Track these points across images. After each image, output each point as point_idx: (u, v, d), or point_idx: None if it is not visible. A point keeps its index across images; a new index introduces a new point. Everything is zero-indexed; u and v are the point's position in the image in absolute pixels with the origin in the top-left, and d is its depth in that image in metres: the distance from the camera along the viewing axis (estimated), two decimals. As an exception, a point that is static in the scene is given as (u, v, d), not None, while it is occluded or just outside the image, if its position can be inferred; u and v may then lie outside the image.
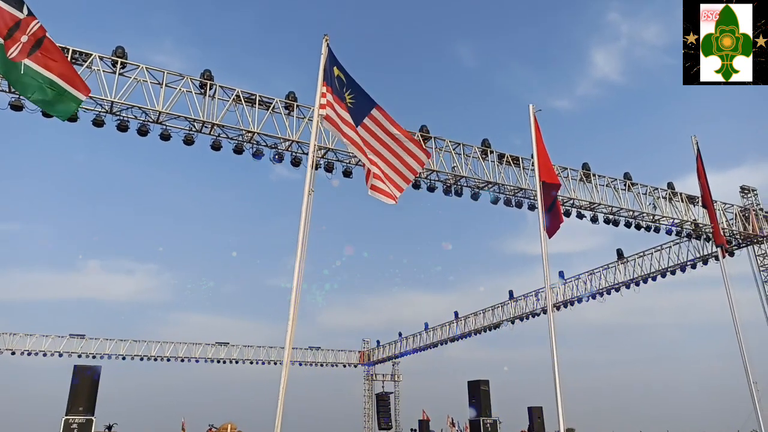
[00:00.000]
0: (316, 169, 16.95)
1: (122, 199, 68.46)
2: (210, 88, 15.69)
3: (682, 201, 22.24)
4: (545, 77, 77.52)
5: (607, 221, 21.27)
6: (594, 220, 21.08)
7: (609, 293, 27.86)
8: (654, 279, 25.99)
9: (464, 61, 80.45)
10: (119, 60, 14.60)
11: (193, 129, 15.78)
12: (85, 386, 18.96)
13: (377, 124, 8.35)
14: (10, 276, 53.32)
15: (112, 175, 67.53)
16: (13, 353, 33.21)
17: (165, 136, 15.48)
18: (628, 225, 21.61)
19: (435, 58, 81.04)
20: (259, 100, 16.30)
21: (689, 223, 22.15)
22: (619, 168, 22.48)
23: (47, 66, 6.16)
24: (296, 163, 16.81)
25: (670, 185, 22.20)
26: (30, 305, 53.54)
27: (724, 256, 13.24)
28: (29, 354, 33.52)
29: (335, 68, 8.54)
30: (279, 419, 7.49)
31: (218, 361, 37.59)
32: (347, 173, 17.53)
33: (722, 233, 21.94)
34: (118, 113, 14.92)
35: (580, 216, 20.89)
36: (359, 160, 8.73)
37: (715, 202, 22.52)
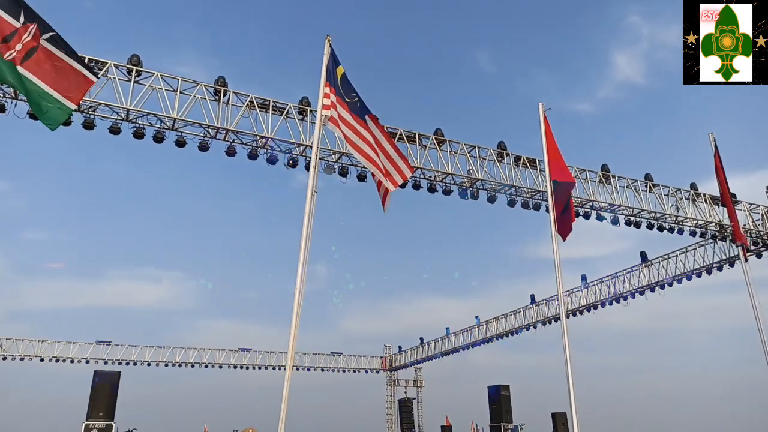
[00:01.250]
0: (331, 173, 16.96)
1: (143, 208, 69.54)
2: (224, 95, 15.80)
3: (706, 202, 21.71)
4: (565, 81, 76.75)
5: (628, 223, 20.86)
6: (615, 222, 20.69)
7: (633, 297, 27.34)
8: (679, 282, 25.38)
9: (482, 65, 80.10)
10: (134, 68, 14.80)
11: (208, 135, 15.91)
12: (104, 392, 19.16)
13: (368, 132, 8.31)
14: (36, 284, 54.44)
15: (132, 183, 68.60)
16: (42, 360, 33.87)
17: (180, 143, 15.64)
18: (650, 227, 21.16)
19: (454, 63, 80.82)
20: (272, 106, 16.36)
21: (714, 224, 21.62)
22: (640, 170, 21.97)
23: (38, 74, 6.18)
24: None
25: (693, 186, 21.69)
26: (56, 313, 54.59)
27: (745, 256, 12.85)
28: (57, 360, 34.14)
29: (338, 69, 8.50)
30: (282, 422, 7.45)
31: (241, 367, 37.83)
32: (362, 177, 17.45)
33: (748, 234, 21.37)
34: (133, 120, 15.12)
35: (600, 218, 20.53)
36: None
37: (741, 202, 21.95)
